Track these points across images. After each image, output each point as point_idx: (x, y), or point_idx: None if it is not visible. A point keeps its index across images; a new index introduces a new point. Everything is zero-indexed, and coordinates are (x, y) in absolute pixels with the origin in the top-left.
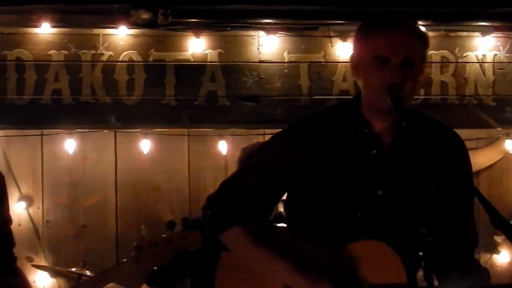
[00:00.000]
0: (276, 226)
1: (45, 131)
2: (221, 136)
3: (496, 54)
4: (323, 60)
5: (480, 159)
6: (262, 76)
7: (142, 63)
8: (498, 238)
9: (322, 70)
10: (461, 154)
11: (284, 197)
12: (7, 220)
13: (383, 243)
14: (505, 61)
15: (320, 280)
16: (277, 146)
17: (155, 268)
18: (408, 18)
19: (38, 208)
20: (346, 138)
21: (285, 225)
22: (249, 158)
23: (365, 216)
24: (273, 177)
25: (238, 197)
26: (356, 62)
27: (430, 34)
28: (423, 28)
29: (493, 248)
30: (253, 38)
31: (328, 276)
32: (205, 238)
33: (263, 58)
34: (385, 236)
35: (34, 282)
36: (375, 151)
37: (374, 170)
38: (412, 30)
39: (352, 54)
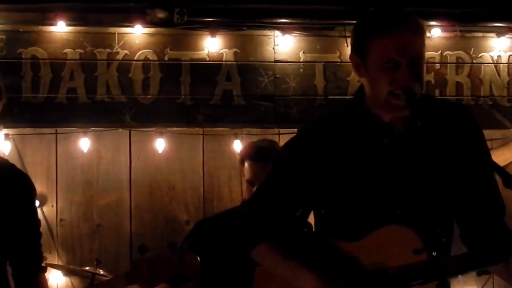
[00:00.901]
0: (301, 233)
1: (60, 130)
2: (236, 136)
3: (511, 55)
4: (338, 60)
5: (494, 159)
6: (278, 76)
7: (157, 62)
8: None
9: (337, 70)
10: (474, 128)
11: None
12: (38, 234)
13: (400, 226)
14: None
15: None
16: (290, 155)
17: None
18: (408, 14)
19: (52, 206)
20: (355, 132)
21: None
22: (254, 157)
23: (387, 206)
24: (291, 187)
25: (261, 214)
26: (358, 62)
27: (446, 35)
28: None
29: None
30: (269, 38)
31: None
32: (204, 263)
33: (278, 57)
34: (408, 222)
35: (48, 281)
36: (386, 140)
37: (389, 159)
38: (416, 28)
39: (352, 54)
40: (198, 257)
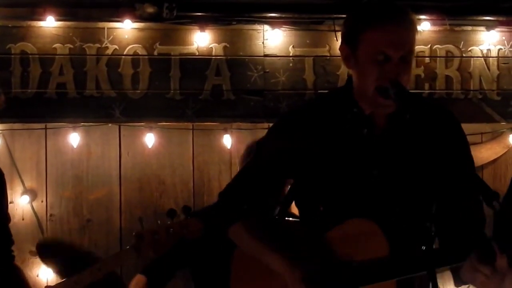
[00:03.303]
0: (277, 218)
1: (49, 125)
2: (226, 130)
3: (500, 49)
4: (328, 54)
5: (484, 153)
6: (267, 70)
7: (147, 56)
8: None
9: (327, 64)
10: (457, 134)
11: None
12: (6, 218)
13: (367, 220)
14: (509, 55)
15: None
16: (271, 140)
17: (156, 257)
18: (402, 8)
19: (42, 202)
20: (337, 121)
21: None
22: (249, 155)
23: (362, 196)
24: (270, 172)
25: (239, 196)
26: (347, 53)
27: (435, 28)
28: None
29: None
30: (258, 32)
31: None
32: (206, 227)
33: (268, 52)
34: (382, 215)
35: (37, 276)
36: (366, 130)
37: (368, 150)
38: (409, 24)
39: (342, 45)
40: (200, 222)
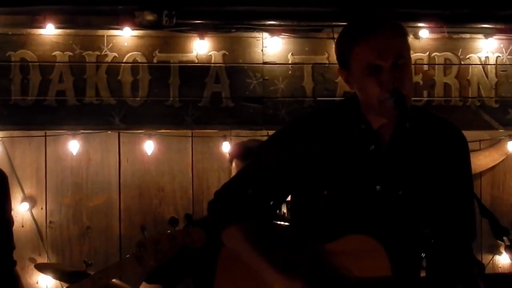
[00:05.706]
0: (275, 224)
1: (49, 132)
2: (225, 138)
3: (498, 56)
4: (327, 61)
5: (482, 160)
6: (266, 78)
7: (146, 64)
8: None
9: (326, 72)
10: (461, 150)
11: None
12: (10, 221)
13: (371, 238)
14: (507, 63)
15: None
16: (275, 145)
17: (157, 266)
18: (383, 18)
19: (42, 209)
20: (344, 134)
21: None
22: (242, 156)
23: (364, 212)
24: (270, 176)
25: (236, 197)
26: (346, 75)
27: (433, 36)
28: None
29: (495, 250)
30: (257, 40)
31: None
32: (208, 235)
33: (267, 59)
34: (384, 232)
35: (37, 283)
36: (373, 146)
37: (373, 166)
38: (392, 30)
39: (339, 68)
40: (202, 230)
